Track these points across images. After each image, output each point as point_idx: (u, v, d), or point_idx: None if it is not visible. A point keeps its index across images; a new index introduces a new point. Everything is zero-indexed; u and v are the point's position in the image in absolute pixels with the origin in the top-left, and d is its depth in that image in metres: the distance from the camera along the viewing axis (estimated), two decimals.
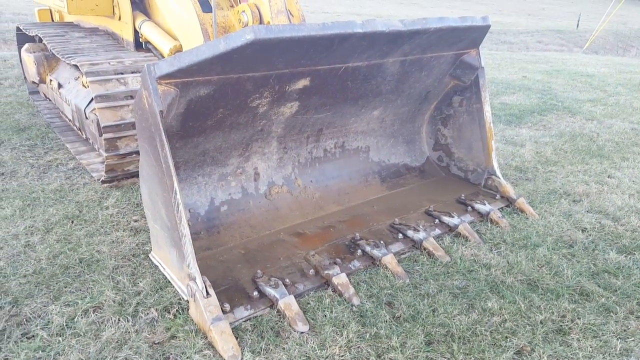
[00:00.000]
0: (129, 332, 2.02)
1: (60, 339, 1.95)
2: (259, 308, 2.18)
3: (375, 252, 2.62)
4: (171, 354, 1.91)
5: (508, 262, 2.67)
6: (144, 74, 2.02)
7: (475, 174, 3.69)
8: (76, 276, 2.39)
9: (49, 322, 2.05)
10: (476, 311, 2.25)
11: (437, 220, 3.07)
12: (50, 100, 5.05)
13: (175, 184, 2.05)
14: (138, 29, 3.91)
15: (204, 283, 2.08)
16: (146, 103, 2.07)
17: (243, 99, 2.47)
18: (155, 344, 1.96)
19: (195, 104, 2.29)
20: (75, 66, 3.74)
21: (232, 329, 2.02)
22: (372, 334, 2.07)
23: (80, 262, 2.51)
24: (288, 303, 2.17)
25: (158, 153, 2.08)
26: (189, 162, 2.69)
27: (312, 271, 2.44)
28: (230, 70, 2.22)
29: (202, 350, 1.92)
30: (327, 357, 1.92)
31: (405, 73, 3.13)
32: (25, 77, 5.33)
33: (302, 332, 2.07)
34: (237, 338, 1.98)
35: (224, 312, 2.10)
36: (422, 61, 3.12)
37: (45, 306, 2.15)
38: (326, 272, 2.41)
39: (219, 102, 2.38)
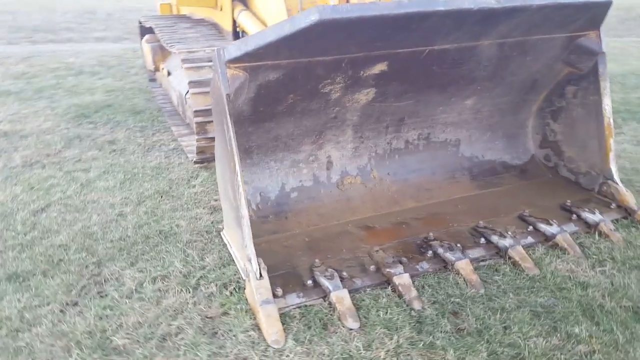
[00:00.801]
0: (187, 303, 2.16)
1: (127, 300, 2.17)
2: (311, 297, 2.17)
3: (449, 255, 2.43)
4: (220, 329, 2.00)
5: (612, 284, 2.28)
6: (214, 58, 2.11)
7: (588, 177, 3.22)
8: (154, 246, 2.62)
9: (122, 284, 2.29)
10: (559, 335, 1.97)
11: (530, 227, 2.74)
12: (162, 86, 5.63)
13: (237, 166, 2.12)
14: (236, 19, 4.14)
15: (259, 265, 2.13)
16: (216, 86, 2.18)
17: (314, 84, 2.45)
18: (207, 317, 2.06)
19: (265, 89, 2.34)
20: None
21: (281, 314, 2.05)
22: (427, 342, 1.93)
23: (160, 233, 2.75)
24: (340, 296, 2.12)
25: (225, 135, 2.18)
26: (262, 146, 2.77)
27: (373, 267, 2.36)
28: (299, 53, 2.22)
29: (248, 331, 1.97)
30: (370, 359, 1.84)
31: (505, 57, 2.84)
32: (145, 66, 6.02)
33: (351, 329, 2.01)
34: (283, 324, 1.99)
35: (275, 296, 2.13)
36: (526, 44, 2.80)
37: (122, 270, 2.40)
38: (388, 270, 2.31)
39: (289, 87, 2.40)
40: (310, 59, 2.28)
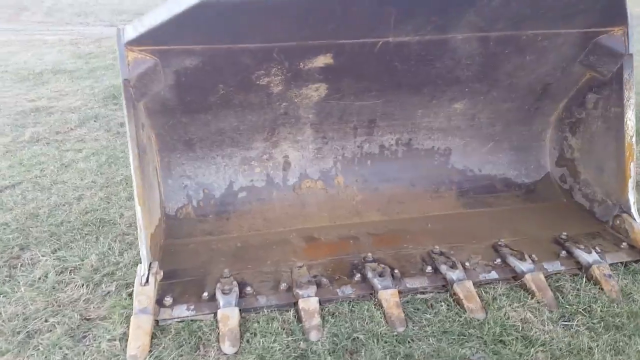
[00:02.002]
0: (79, 300, 2.12)
1: (25, 289, 2.18)
2: (201, 312, 2.02)
3: (376, 282, 2.15)
4: (91, 333, 1.93)
5: (569, 345, 1.85)
6: (116, 39, 2.03)
7: (604, 206, 2.69)
8: (85, 234, 2.63)
9: (31, 272, 2.31)
10: None
11: (498, 260, 2.34)
12: None
13: (134, 159, 2.03)
14: None
15: (148, 270, 2.03)
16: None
17: (245, 75, 2.28)
18: (86, 318, 2.01)
19: (186, 77, 2.21)
20: None
21: (163, 325, 1.93)
22: None
23: (100, 221, 2.76)
24: (227, 315, 1.95)
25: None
26: (205, 140, 2.65)
27: (284, 285, 2.15)
28: (213, 39, 2.06)
29: (115, 340, 1.88)
30: None
31: (493, 55, 2.45)
32: None
33: (225, 354, 1.84)
34: (156, 338, 1.87)
35: (163, 305, 2.02)
36: (520, 41, 2.39)
37: (42, 256, 2.43)
38: (297, 290, 2.09)
39: (214, 77, 2.26)
40: (231, 45, 2.11)
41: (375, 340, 1.87)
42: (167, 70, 2.15)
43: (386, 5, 1.96)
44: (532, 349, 1.83)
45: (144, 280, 2.00)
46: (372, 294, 2.14)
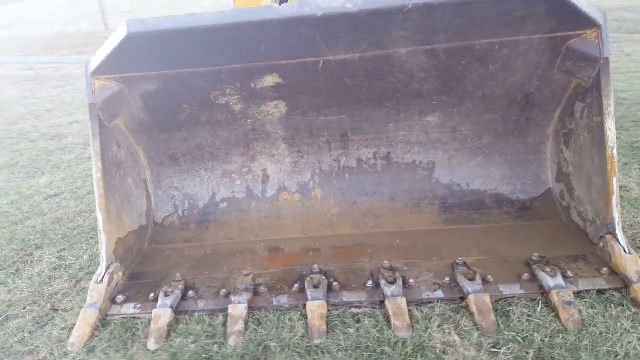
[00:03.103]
0: (57, 294, 2.47)
1: (24, 281, 2.60)
2: (144, 311, 2.23)
3: (308, 293, 2.20)
4: (52, 321, 2.25)
5: None
6: (85, 70, 2.37)
7: (594, 226, 2.43)
8: (90, 238, 3.03)
9: (35, 267, 2.74)
10: None
11: (447, 279, 2.25)
12: None
13: (94, 170, 2.34)
14: None
15: (105, 270, 2.31)
16: None
17: (203, 96, 2.50)
18: (54, 309, 2.33)
19: (151, 99, 2.49)
20: None
21: (110, 320, 2.19)
22: None
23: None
24: (159, 315, 2.14)
25: None
26: (187, 155, 2.91)
27: (224, 292, 2.29)
28: (165, 65, 2.31)
29: (67, 329, 2.15)
30: None
31: (450, 67, 2.40)
32: None
33: (149, 350, 2.03)
34: (97, 330, 2.13)
35: (115, 302, 2.28)
36: (475, 51, 2.31)
37: (49, 255, 2.85)
38: (232, 297, 2.22)
39: (176, 98, 2.51)
40: (181, 70, 2.35)
41: (284, 350, 1.93)
42: (133, 95, 2.45)
43: (304, 29, 2.05)
44: None
45: (99, 279, 2.28)
46: (305, 304, 2.19)
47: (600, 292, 2.11)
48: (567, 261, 2.30)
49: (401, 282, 2.20)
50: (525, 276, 2.20)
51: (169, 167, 2.95)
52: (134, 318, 2.19)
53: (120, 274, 2.40)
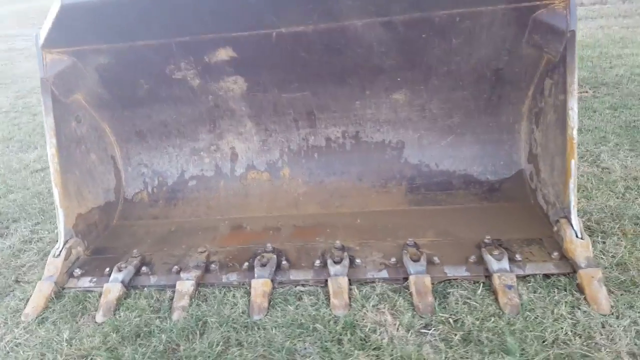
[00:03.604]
0: (23, 266, 2.59)
1: None
2: (98, 285, 2.33)
3: (255, 271, 2.25)
4: (12, 292, 2.37)
5: (405, 353, 1.76)
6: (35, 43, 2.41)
7: (555, 209, 2.38)
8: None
9: (8, 239, 2.87)
10: None
11: (393, 260, 2.25)
12: None
13: (48, 146, 2.40)
14: None
15: (63, 244, 2.41)
16: None
17: (159, 70, 2.53)
18: (17, 281, 2.45)
19: (107, 73, 2.53)
20: None
21: (66, 292, 2.29)
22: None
23: None
24: (109, 289, 2.23)
25: None
26: (153, 131, 2.95)
27: (176, 268, 2.36)
28: (116, 38, 2.34)
29: (24, 300, 2.28)
30: (70, 354, 1.93)
31: (410, 41, 2.35)
32: None
33: (96, 322, 2.12)
34: (51, 302, 2.23)
35: (72, 275, 2.38)
36: (435, 23, 2.26)
37: (24, 228, 2.98)
38: (182, 274, 2.29)
39: (131, 72, 2.54)
40: (131, 43, 2.37)
41: (222, 325, 1.99)
42: (88, 68, 2.49)
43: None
44: (363, 352, 1.78)
45: (57, 253, 2.38)
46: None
47: (547, 276, 2.08)
48: (520, 244, 2.27)
49: (347, 262, 2.22)
50: (472, 258, 2.19)
51: (137, 144, 3.01)
52: (89, 291, 2.29)
53: (79, 248, 2.49)
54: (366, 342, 1.83)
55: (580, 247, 2.08)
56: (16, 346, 2.01)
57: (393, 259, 2.24)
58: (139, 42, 2.35)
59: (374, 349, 1.79)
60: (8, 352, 1.98)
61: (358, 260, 2.26)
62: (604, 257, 2.17)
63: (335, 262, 2.22)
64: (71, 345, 1.96)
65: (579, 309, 1.89)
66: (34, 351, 1.96)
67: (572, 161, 2.14)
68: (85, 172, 2.67)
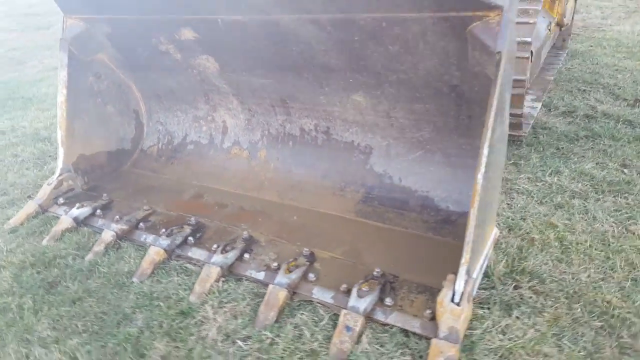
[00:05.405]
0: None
1: None
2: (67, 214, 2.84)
3: (160, 239, 2.46)
4: (22, 204, 3.05)
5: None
6: None
7: None
8: None
9: None
10: None
11: (275, 264, 2.23)
12: None
13: (58, 96, 2.93)
14: None
15: (57, 176, 2.97)
16: None
17: (149, 42, 2.82)
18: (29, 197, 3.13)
19: (114, 40, 2.93)
20: None
21: (48, 215, 2.87)
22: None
23: None
24: (62, 220, 2.69)
25: None
26: (166, 95, 3.30)
27: (117, 217, 2.71)
28: (115, 10, 2.69)
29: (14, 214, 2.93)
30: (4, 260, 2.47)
31: (345, 42, 2.21)
32: None
33: (42, 244, 2.63)
34: (33, 219, 2.82)
35: (57, 203, 2.93)
36: (361, 25, 2.09)
37: None
38: (113, 224, 2.63)
39: (130, 41, 2.89)
40: (125, 16, 2.71)
41: (103, 277, 2.29)
42: (98, 34, 2.92)
43: None
44: (171, 338, 1.89)
45: (49, 182, 2.96)
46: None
47: (407, 334, 1.85)
48: (411, 289, 2.03)
49: (235, 254, 2.29)
50: (343, 287, 2.04)
51: (156, 104, 3.42)
52: (58, 218, 2.81)
53: (70, 182, 3.03)
54: (183, 330, 1.92)
55: (448, 314, 1.78)
56: None
57: (275, 264, 2.22)
58: (128, 16, 2.66)
59: (187, 336, 1.88)
60: None
61: (247, 255, 2.30)
62: None
63: (224, 251, 2.30)
64: (11, 253, 2.49)
65: None
66: None
67: (472, 210, 1.81)
68: (97, 121, 3.17)
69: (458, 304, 1.78)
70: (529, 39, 3.11)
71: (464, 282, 1.81)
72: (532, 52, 3.66)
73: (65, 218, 2.71)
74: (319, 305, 2.02)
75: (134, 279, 2.27)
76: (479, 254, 2.09)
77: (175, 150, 3.39)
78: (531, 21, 3.19)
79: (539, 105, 4.02)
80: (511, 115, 3.24)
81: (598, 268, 2.15)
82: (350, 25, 2.06)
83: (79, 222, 2.73)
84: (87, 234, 2.66)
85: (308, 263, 2.20)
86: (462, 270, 1.82)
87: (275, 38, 2.32)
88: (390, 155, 2.66)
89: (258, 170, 3.05)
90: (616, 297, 1.98)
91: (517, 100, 3.21)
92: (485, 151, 1.77)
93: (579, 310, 1.92)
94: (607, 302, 1.94)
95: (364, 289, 1.97)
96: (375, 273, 2.08)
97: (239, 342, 1.87)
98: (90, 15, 2.79)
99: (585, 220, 2.52)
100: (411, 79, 2.22)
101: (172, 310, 2.04)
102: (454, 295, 1.80)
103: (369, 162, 2.73)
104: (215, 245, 2.38)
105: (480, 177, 1.78)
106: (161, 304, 2.08)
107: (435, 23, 1.88)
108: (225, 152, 3.20)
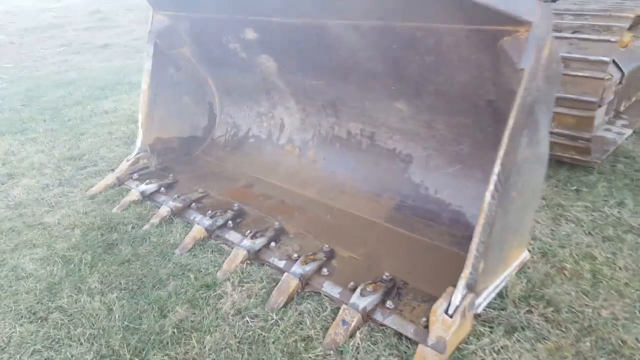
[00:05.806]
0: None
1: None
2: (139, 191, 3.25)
3: (204, 219, 2.74)
4: (106, 174, 3.53)
5: (202, 323, 2.04)
6: None
7: None
8: None
9: None
10: None
11: (295, 255, 2.39)
12: None
13: (142, 84, 3.36)
14: None
15: (135, 154, 3.41)
16: None
17: (220, 40, 3.12)
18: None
19: (190, 35, 3.29)
20: None
21: (124, 187, 3.32)
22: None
23: None
24: (132, 192, 3.10)
25: None
26: (235, 91, 3.62)
27: (176, 196, 3.04)
28: (194, 8, 3.04)
29: (96, 184, 3.41)
30: (79, 220, 2.92)
31: (386, 50, 2.32)
32: None
33: (113, 211, 3.05)
34: (109, 189, 3.28)
35: (132, 178, 3.35)
36: (397, 32, 2.18)
37: None
38: (171, 202, 2.97)
39: (206, 37, 3.21)
40: (203, 15, 3.04)
41: (152, 246, 2.62)
42: (179, 30, 3.30)
43: None
44: (192, 305, 2.15)
45: (129, 159, 3.41)
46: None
47: (400, 337, 1.92)
48: (416, 297, 2.09)
49: (262, 241, 2.49)
50: (351, 285, 2.15)
51: (227, 97, 3.75)
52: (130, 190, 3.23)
53: (146, 160, 3.45)
54: (203, 300, 2.17)
55: (439, 323, 1.82)
56: (68, 199, 3.12)
57: (296, 255, 2.38)
58: (204, 14, 2.99)
59: (204, 306, 2.12)
60: (60, 199, 3.10)
61: (273, 244, 2.49)
62: None
63: (254, 237, 2.51)
64: (85, 215, 2.93)
65: None
66: (70, 208, 3.02)
67: (477, 228, 1.83)
68: (174, 109, 3.56)
69: (451, 316, 1.81)
70: (606, 59, 2.94)
71: (460, 296, 1.82)
72: (623, 73, 3.43)
73: (134, 191, 3.10)
74: (326, 298, 2.13)
75: (176, 251, 2.57)
76: (494, 274, 2.09)
77: (239, 142, 3.69)
78: (613, 39, 3.01)
79: (629, 132, 3.74)
80: (577, 139, 3.11)
81: (626, 307, 2.02)
82: (389, 33, 2.15)
83: (145, 196, 3.10)
84: (149, 207, 3.02)
85: (325, 258, 2.33)
86: (460, 284, 1.84)
87: (323, 42, 2.47)
88: (429, 166, 2.69)
89: (305, 168, 3.23)
90: (637, 338, 1.85)
91: (584, 123, 3.05)
92: (496, 169, 1.77)
93: (588, 344, 1.83)
94: (622, 342, 1.83)
95: (368, 289, 2.06)
96: (384, 277, 2.15)
97: (247, 318, 2.06)
98: (174, 11, 3.17)
99: (632, 257, 2.36)
100: (449, 90, 2.26)
101: (199, 282, 2.29)
102: (448, 306, 1.83)
103: (408, 171, 2.78)
104: (248, 231, 2.59)
105: (488, 195, 1.77)
106: (191, 275, 2.34)
107: (468, 36, 1.91)
108: (280, 148, 3.42)
